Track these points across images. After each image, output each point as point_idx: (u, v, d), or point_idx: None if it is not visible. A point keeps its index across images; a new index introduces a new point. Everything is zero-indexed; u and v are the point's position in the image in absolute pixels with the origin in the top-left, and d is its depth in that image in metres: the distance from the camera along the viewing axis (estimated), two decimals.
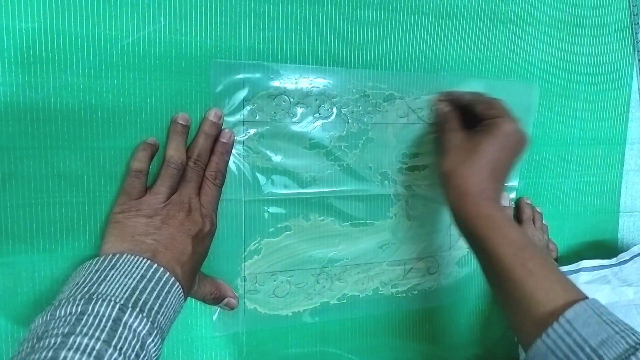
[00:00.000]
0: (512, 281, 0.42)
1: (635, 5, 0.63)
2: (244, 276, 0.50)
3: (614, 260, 0.59)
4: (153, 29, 0.44)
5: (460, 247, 0.59)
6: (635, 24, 0.64)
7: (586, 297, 0.39)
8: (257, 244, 0.50)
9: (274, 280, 0.52)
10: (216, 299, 0.48)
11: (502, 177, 0.49)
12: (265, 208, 0.50)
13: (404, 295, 0.57)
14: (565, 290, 0.41)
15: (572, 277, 0.54)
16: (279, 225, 0.51)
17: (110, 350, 0.32)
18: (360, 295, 0.55)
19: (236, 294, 0.49)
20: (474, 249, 0.48)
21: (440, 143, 0.52)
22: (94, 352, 0.32)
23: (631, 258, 0.59)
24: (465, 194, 0.47)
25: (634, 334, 0.36)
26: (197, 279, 0.45)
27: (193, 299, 0.47)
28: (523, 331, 0.41)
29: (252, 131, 0.48)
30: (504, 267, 0.43)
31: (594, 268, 0.56)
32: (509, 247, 0.44)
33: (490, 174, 0.47)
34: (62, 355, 0.31)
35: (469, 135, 0.50)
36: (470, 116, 0.52)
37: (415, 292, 0.58)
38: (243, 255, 0.50)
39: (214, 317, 0.50)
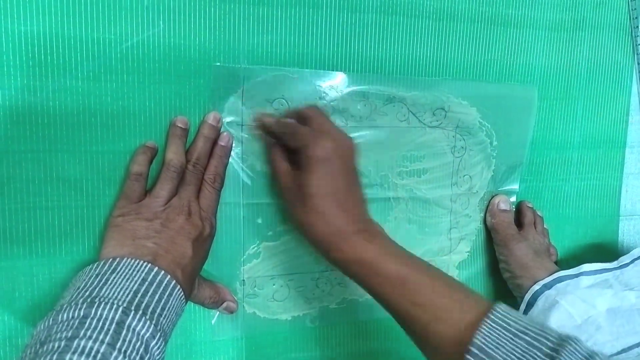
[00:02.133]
0: (408, 320, 0.40)
1: (635, 9, 0.63)
2: (243, 280, 0.50)
3: (615, 264, 0.59)
4: (152, 32, 0.44)
5: (460, 251, 0.59)
6: (634, 27, 0.64)
7: (489, 307, 0.37)
8: (256, 248, 0.50)
9: (273, 284, 0.51)
10: (215, 303, 0.47)
11: (352, 199, 0.44)
12: (265, 211, 0.50)
13: None
14: (463, 310, 0.38)
15: (573, 281, 0.54)
16: (277, 229, 0.51)
17: (114, 353, 0.32)
18: (360, 300, 0.55)
19: (235, 298, 0.49)
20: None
21: (277, 188, 0.48)
22: (99, 355, 0.32)
23: (632, 261, 0.59)
24: (324, 242, 0.43)
25: (547, 338, 0.34)
26: (196, 282, 0.45)
27: (192, 303, 0.47)
28: None
29: (251, 134, 0.48)
30: (395, 309, 0.41)
31: (595, 272, 0.56)
32: (389, 287, 0.41)
33: (337, 209, 0.43)
34: (67, 358, 0.31)
35: (297, 176, 0.44)
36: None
37: None
38: (242, 259, 0.50)
39: (213, 321, 0.49)
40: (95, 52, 0.42)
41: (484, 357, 0.35)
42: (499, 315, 0.36)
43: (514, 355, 0.34)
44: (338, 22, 0.50)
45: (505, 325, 0.36)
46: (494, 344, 0.35)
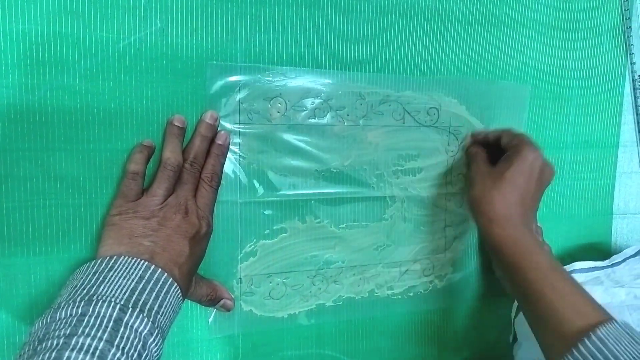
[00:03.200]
0: (542, 302, 0.44)
1: (628, 9, 0.64)
2: (240, 278, 0.50)
3: (607, 262, 0.60)
4: (149, 31, 0.44)
5: (455, 249, 0.60)
6: (627, 27, 0.64)
7: (615, 320, 0.41)
8: (252, 246, 0.50)
9: (270, 282, 0.52)
10: (212, 301, 0.48)
11: (530, 204, 0.51)
12: (261, 210, 0.50)
13: (400, 297, 0.57)
14: (595, 310, 0.43)
15: None
16: (274, 227, 0.51)
17: (113, 350, 0.33)
18: (356, 297, 0.55)
19: (232, 296, 0.49)
20: (505, 272, 0.49)
21: (470, 176, 0.54)
22: (97, 352, 0.32)
23: (624, 260, 0.60)
24: (492, 219, 0.49)
25: None
26: (193, 280, 0.45)
27: (189, 301, 0.47)
28: (554, 350, 0.43)
29: (247, 133, 0.49)
30: (534, 290, 0.45)
31: (587, 269, 0.57)
32: (538, 272, 0.46)
33: (517, 200, 0.49)
34: (66, 355, 0.31)
35: (495, 168, 0.52)
36: (498, 154, 0.54)
37: (411, 294, 0.58)
38: (239, 257, 0.50)
39: (210, 319, 0.50)
40: (92, 51, 0.43)
41: (601, 346, 0.38)
42: (626, 326, 0.41)
43: (630, 354, 0.37)
44: (335, 21, 0.50)
45: (629, 332, 0.40)
46: (613, 339, 0.39)
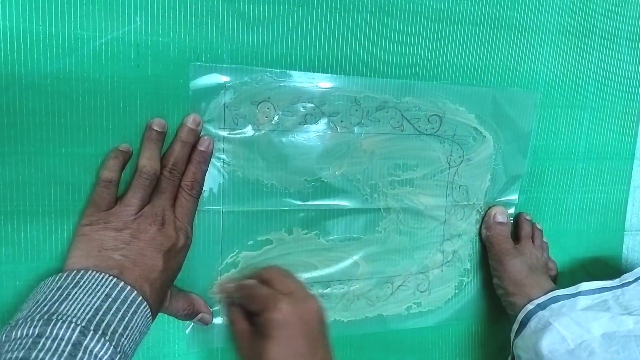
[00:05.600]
0: None
1: None
2: None
3: (616, 282, 0.56)
4: (128, 29, 0.42)
5: (453, 265, 0.57)
6: None
7: None
8: (234, 257, 0.48)
9: None
10: (189, 315, 0.45)
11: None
12: (245, 220, 0.48)
13: (392, 314, 0.55)
14: None
15: (569, 301, 0.51)
16: (259, 238, 0.48)
17: None
18: (345, 313, 0.53)
19: (210, 309, 0.47)
20: None
21: (235, 349, 0.43)
22: None
23: (635, 280, 0.56)
24: None
25: None
26: (169, 294, 0.43)
27: (165, 314, 0.45)
28: None
29: (233, 139, 0.46)
30: None
31: (594, 291, 0.53)
32: None
33: None
34: None
35: (256, 339, 0.40)
36: None
37: (405, 311, 0.55)
38: (219, 269, 0.48)
39: (188, 330, 0.48)
40: (66, 49, 0.40)
41: None
42: None
43: None
44: (329, 21, 0.47)
45: None
46: None
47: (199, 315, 0.46)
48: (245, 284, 0.43)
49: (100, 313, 0.35)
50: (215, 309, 0.48)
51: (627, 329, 0.49)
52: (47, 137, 0.41)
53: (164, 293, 0.42)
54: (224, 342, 0.49)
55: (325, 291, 0.52)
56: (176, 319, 0.47)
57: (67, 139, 0.41)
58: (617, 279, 0.56)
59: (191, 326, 0.48)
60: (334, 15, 0.47)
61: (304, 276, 0.51)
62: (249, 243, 0.48)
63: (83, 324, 0.34)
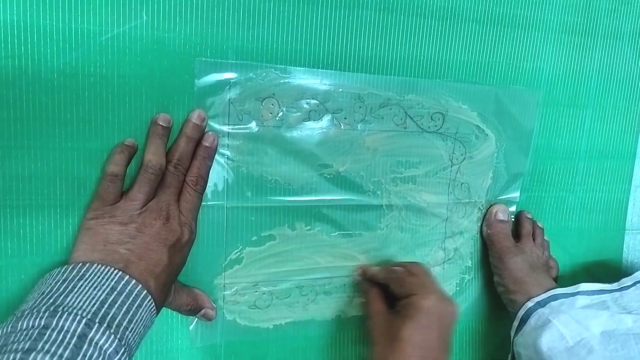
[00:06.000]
0: None
1: None
2: (224, 286, 0.48)
3: (614, 286, 0.56)
4: (134, 24, 0.42)
5: (455, 263, 0.57)
6: None
7: None
8: (238, 253, 0.48)
9: (255, 291, 0.49)
10: (193, 310, 0.46)
11: (436, 356, 0.45)
12: (249, 215, 0.48)
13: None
14: None
15: (568, 300, 0.52)
16: (262, 234, 0.49)
17: None
18: (347, 309, 0.53)
19: (214, 305, 0.47)
20: None
21: (368, 326, 0.48)
22: None
23: (634, 284, 0.56)
24: None
25: None
26: (172, 289, 0.43)
27: (169, 309, 0.45)
28: None
29: (237, 135, 0.46)
30: None
31: (593, 292, 0.53)
32: None
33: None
34: None
35: (392, 319, 0.46)
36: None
37: None
38: (223, 265, 0.48)
39: (191, 327, 0.48)
40: (72, 44, 0.40)
41: None
42: None
43: None
44: (334, 18, 0.47)
45: None
46: None
47: (203, 311, 0.46)
48: (396, 269, 0.49)
49: (106, 306, 0.35)
50: (219, 304, 0.48)
51: (626, 327, 0.49)
52: (53, 131, 0.41)
53: (169, 287, 0.42)
54: (228, 337, 0.49)
55: (328, 287, 0.52)
56: (180, 314, 0.47)
57: (73, 133, 0.41)
58: (616, 283, 0.56)
59: (195, 322, 0.48)
60: (338, 12, 0.47)
61: (308, 272, 0.51)
62: (253, 239, 0.48)
63: (88, 316, 0.34)
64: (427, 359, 0.44)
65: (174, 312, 0.46)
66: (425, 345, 0.44)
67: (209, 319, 0.47)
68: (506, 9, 0.53)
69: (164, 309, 0.44)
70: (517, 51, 0.55)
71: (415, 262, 0.51)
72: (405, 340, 0.43)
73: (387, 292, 0.49)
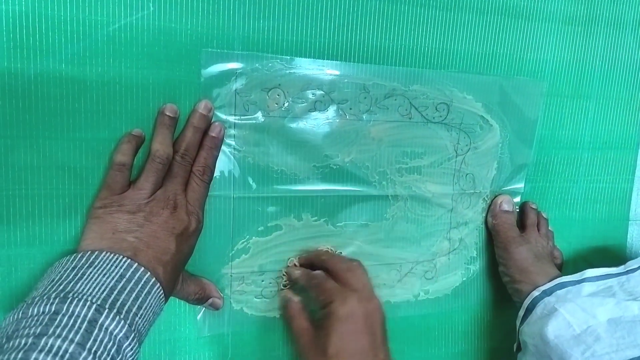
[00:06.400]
0: None
1: None
2: (231, 275, 0.48)
3: (621, 269, 0.56)
4: (141, 14, 0.42)
5: (460, 252, 0.57)
6: None
7: None
8: (245, 243, 0.48)
9: (262, 281, 0.50)
10: (200, 300, 0.46)
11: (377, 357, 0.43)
12: (255, 206, 0.48)
13: (400, 300, 0.55)
14: None
15: (574, 288, 0.52)
16: (269, 224, 0.49)
17: (84, 354, 0.31)
18: None
19: (221, 295, 0.48)
20: None
21: (296, 348, 0.45)
22: (67, 355, 0.30)
23: (639, 267, 0.56)
24: None
25: None
26: (180, 278, 0.43)
27: (177, 298, 0.46)
28: None
29: (243, 125, 0.46)
30: None
31: (598, 278, 0.54)
32: None
33: None
34: (33, 357, 0.29)
35: (318, 334, 0.44)
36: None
37: (412, 298, 0.56)
38: (230, 254, 0.48)
39: (199, 317, 0.48)
40: (80, 34, 0.40)
41: None
42: None
43: None
44: (339, 9, 0.48)
45: None
46: None
47: (210, 300, 0.47)
48: (315, 274, 0.47)
49: (115, 292, 0.35)
50: (226, 293, 0.48)
51: (633, 314, 0.49)
52: (61, 121, 0.41)
53: (176, 276, 0.42)
54: (235, 327, 0.49)
55: None
56: (187, 304, 0.47)
57: (81, 123, 0.41)
58: (622, 266, 0.56)
59: (202, 311, 0.48)
60: (343, 3, 0.47)
61: None
62: (259, 229, 0.49)
63: (98, 302, 0.34)
64: None
65: (182, 302, 0.47)
66: (359, 351, 0.42)
67: (216, 308, 0.47)
68: (510, 0, 0.53)
69: (171, 298, 0.44)
70: (521, 42, 0.55)
71: (338, 256, 0.48)
72: (335, 355, 0.41)
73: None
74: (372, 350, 0.43)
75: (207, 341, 0.49)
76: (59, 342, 0.31)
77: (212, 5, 0.44)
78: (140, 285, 0.37)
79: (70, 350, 0.31)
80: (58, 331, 0.31)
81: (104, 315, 0.33)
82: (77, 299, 0.34)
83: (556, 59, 0.57)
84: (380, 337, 0.44)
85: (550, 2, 0.55)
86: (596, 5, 0.57)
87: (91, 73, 0.41)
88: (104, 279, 0.36)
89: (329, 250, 0.51)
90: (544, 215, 0.60)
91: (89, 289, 0.35)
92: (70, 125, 0.41)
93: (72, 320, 0.32)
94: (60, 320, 0.32)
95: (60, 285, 0.35)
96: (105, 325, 0.33)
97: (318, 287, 0.45)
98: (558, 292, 0.52)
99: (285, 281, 0.50)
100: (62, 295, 0.34)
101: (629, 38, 0.60)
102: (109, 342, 0.33)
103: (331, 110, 0.49)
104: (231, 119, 0.46)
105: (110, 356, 0.32)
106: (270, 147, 0.48)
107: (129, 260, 0.38)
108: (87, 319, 0.33)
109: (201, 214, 0.44)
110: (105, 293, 0.35)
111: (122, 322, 0.34)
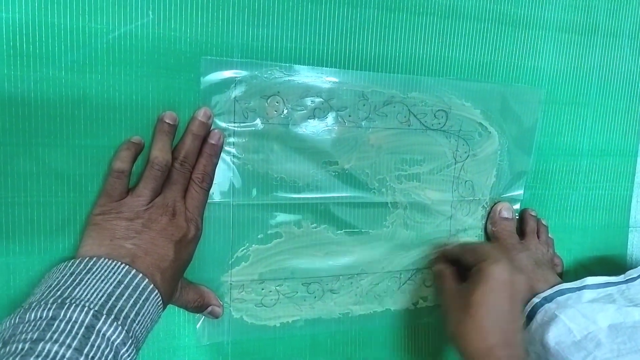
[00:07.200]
0: None
1: None
2: (230, 284, 0.48)
3: (621, 277, 0.56)
4: (141, 22, 0.42)
5: None
6: None
7: None
8: (245, 250, 0.48)
9: (262, 289, 0.49)
10: (199, 307, 0.46)
11: (509, 324, 0.45)
12: (255, 213, 0.48)
13: (399, 308, 0.55)
14: None
15: (575, 294, 0.52)
16: (269, 232, 0.49)
17: (81, 359, 0.31)
18: (354, 307, 0.53)
19: (221, 303, 0.47)
20: None
21: (441, 302, 0.50)
22: None
23: (639, 276, 0.56)
24: (473, 356, 0.44)
25: None
26: (179, 285, 0.43)
27: (175, 306, 0.45)
28: None
29: (243, 132, 0.46)
30: None
31: (599, 285, 0.53)
32: None
33: (493, 326, 0.44)
34: None
35: (463, 289, 0.47)
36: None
37: (411, 306, 0.55)
38: (230, 262, 0.48)
39: (198, 325, 0.48)
40: (80, 42, 0.41)
41: None
42: None
43: None
44: (338, 17, 0.48)
45: None
46: None
47: (209, 308, 0.46)
48: (472, 241, 0.53)
49: (113, 298, 0.35)
50: (225, 301, 0.48)
51: (634, 320, 0.49)
52: (60, 128, 0.41)
53: (175, 283, 0.42)
54: (235, 335, 0.49)
55: (334, 285, 0.52)
56: (187, 312, 0.47)
57: (80, 131, 0.41)
58: (622, 275, 0.56)
59: (202, 320, 0.48)
60: (342, 11, 0.48)
61: (314, 270, 0.51)
62: (259, 236, 0.48)
63: (96, 308, 0.34)
64: (500, 322, 0.44)
65: (181, 310, 0.46)
66: (498, 308, 0.45)
67: (215, 316, 0.47)
68: (508, 8, 0.54)
69: (171, 306, 0.44)
70: (519, 49, 0.55)
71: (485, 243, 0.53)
72: (477, 303, 0.44)
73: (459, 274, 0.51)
74: (510, 314, 0.45)
75: (206, 350, 0.49)
76: (56, 347, 0.31)
77: (211, 13, 0.44)
78: (138, 292, 0.37)
79: (67, 356, 0.30)
80: (55, 336, 0.31)
81: (101, 321, 0.33)
82: (74, 304, 0.33)
83: (554, 67, 0.57)
84: (519, 308, 0.47)
85: (548, 10, 0.55)
86: (594, 14, 0.58)
87: (91, 81, 0.41)
88: (102, 285, 0.36)
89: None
90: (544, 222, 0.60)
91: (86, 295, 0.35)
92: (69, 132, 0.41)
93: (69, 326, 0.32)
94: (58, 326, 0.32)
95: (58, 290, 0.35)
96: (102, 331, 0.33)
97: (473, 249, 0.50)
98: (558, 298, 0.52)
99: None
100: (59, 300, 0.34)
101: (627, 46, 0.60)
102: (106, 348, 0.33)
103: (330, 118, 0.49)
104: (230, 126, 0.46)
105: None
106: (270, 154, 0.48)
107: (127, 266, 0.38)
108: (85, 324, 0.33)
109: (200, 221, 0.44)
110: (102, 299, 0.35)
111: (120, 328, 0.34)
